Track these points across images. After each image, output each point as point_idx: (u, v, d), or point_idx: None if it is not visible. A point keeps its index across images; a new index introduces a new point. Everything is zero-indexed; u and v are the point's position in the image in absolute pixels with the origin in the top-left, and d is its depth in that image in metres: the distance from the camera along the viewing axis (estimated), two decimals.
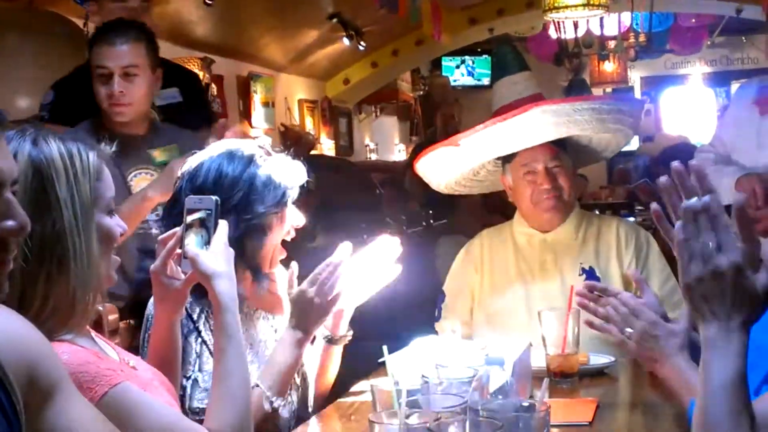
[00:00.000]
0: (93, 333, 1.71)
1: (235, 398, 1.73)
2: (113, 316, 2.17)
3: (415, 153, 7.56)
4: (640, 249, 2.79)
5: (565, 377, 2.34)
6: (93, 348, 1.63)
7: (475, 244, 2.95)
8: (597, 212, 6.34)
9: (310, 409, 2.28)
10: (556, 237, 2.83)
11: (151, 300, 2.05)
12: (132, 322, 2.58)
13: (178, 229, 1.84)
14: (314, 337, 2.25)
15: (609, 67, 10.91)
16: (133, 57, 3.01)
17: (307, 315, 2.13)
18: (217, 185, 2.08)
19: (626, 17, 8.83)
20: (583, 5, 5.71)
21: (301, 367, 2.25)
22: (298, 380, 2.24)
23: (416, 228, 5.49)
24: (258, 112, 6.91)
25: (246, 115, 6.76)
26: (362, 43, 7.29)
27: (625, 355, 2.59)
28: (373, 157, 9.47)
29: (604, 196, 9.25)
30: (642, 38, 9.87)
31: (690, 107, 11.88)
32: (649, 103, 11.90)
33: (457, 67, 11.19)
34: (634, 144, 9.61)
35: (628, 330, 2.01)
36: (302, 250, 2.90)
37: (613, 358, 2.49)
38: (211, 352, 2.02)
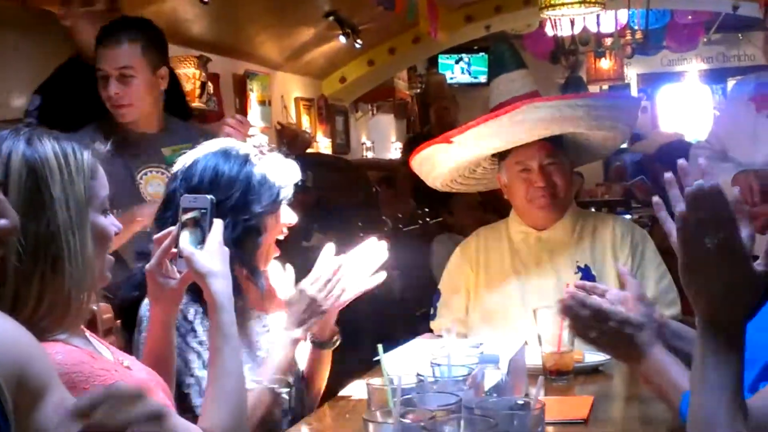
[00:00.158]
0: (87, 333, 1.70)
1: (230, 398, 1.73)
2: (107, 316, 2.17)
3: (408, 148, 7.58)
4: (636, 247, 2.79)
5: (560, 375, 2.34)
6: (87, 348, 1.63)
7: (471, 242, 2.95)
8: (593, 209, 6.37)
9: (305, 409, 2.28)
10: (551, 235, 2.83)
11: (144, 302, 2.05)
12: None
13: (173, 228, 1.84)
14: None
15: (605, 64, 10.90)
16: (128, 58, 3.01)
17: (305, 313, 2.13)
18: (214, 185, 2.07)
19: (623, 14, 8.82)
20: (580, 2, 5.71)
21: (295, 367, 2.24)
22: (291, 380, 2.23)
23: (413, 226, 5.49)
24: (254, 111, 6.90)
25: (242, 113, 6.74)
26: (359, 41, 7.29)
27: None
28: (370, 155, 9.46)
29: (600, 193, 9.25)
30: (638, 35, 9.88)
31: (686, 104, 11.88)
32: (646, 100, 11.90)
33: (457, 62, 11.19)
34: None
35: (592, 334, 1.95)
36: (298, 249, 2.90)
37: (608, 356, 2.48)
38: None
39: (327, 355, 2.33)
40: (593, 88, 11.17)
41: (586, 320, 1.89)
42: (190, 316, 2.07)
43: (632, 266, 2.72)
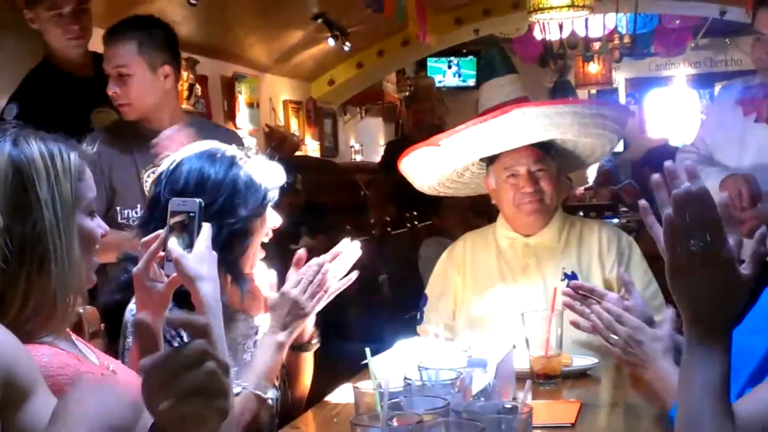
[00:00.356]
0: (73, 336, 1.69)
1: None
2: (93, 319, 2.15)
3: (387, 153, 7.54)
4: (622, 253, 2.79)
5: (548, 379, 2.34)
6: (73, 351, 1.62)
7: (458, 246, 2.95)
8: (581, 214, 6.38)
9: (291, 409, 2.27)
10: (538, 241, 2.83)
11: (129, 306, 2.04)
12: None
13: (161, 232, 1.83)
14: None
15: (594, 68, 10.94)
16: (122, 57, 3.01)
17: (289, 316, 2.12)
18: (199, 188, 2.05)
19: (611, 18, 8.86)
20: (568, 6, 5.73)
21: (282, 370, 2.24)
22: (277, 383, 2.22)
23: (401, 230, 5.49)
24: (242, 113, 6.90)
25: (230, 116, 6.74)
26: (347, 43, 7.29)
27: (608, 357, 2.60)
28: (358, 158, 9.46)
29: (588, 197, 9.26)
30: (626, 40, 9.92)
31: (674, 109, 11.93)
32: (634, 104, 11.95)
33: (449, 67, 11.20)
34: (619, 147, 9.63)
35: (613, 336, 2.00)
36: (286, 251, 2.90)
37: (596, 360, 2.49)
38: None
39: (308, 359, 2.32)
40: (581, 92, 11.21)
41: (610, 324, 1.96)
42: None
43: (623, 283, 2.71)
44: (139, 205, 3.03)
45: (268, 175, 2.15)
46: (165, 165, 2.15)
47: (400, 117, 10.22)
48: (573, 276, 2.74)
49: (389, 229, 5.20)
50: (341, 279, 2.23)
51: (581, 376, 2.45)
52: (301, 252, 2.22)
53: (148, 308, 1.87)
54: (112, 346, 2.12)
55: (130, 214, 3.07)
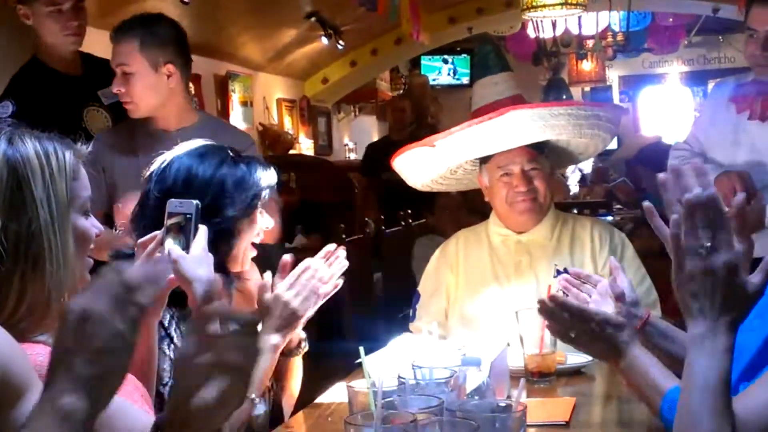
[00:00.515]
0: None
1: None
2: None
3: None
4: (615, 250, 2.79)
5: (542, 377, 2.34)
6: None
7: (451, 244, 2.95)
8: (575, 211, 6.38)
9: (284, 413, 2.26)
10: (531, 238, 2.83)
11: None
12: None
13: (158, 233, 1.82)
14: None
15: (587, 66, 10.95)
16: (124, 55, 3.02)
17: (282, 319, 2.11)
18: (187, 187, 2.04)
19: (604, 16, 8.86)
20: (561, 4, 5.72)
21: (274, 372, 2.23)
22: (268, 383, 2.22)
23: (395, 228, 5.49)
24: (236, 112, 6.89)
25: (224, 114, 6.73)
26: (341, 42, 7.28)
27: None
28: (352, 156, 9.46)
29: (582, 195, 9.27)
30: (620, 37, 9.92)
31: (668, 106, 11.95)
32: (627, 102, 11.96)
33: (446, 62, 11.20)
34: (612, 144, 9.64)
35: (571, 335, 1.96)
36: (281, 251, 2.89)
37: (590, 358, 2.48)
38: None
39: (296, 363, 2.31)
40: (575, 90, 11.22)
41: (566, 322, 1.89)
42: (166, 322, 2.05)
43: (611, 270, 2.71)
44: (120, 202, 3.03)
45: (259, 176, 2.14)
46: (157, 163, 2.14)
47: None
48: (565, 272, 2.73)
49: (383, 227, 5.20)
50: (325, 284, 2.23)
51: (576, 373, 2.45)
52: (287, 258, 2.21)
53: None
54: None
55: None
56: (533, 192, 2.75)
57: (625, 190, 7.33)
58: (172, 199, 1.85)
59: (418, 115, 8.50)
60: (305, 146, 8.16)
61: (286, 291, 2.13)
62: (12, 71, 3.44)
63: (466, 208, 4.90)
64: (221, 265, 2.10)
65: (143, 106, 3.08)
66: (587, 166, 9.57)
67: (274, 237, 2.99)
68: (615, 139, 7.25)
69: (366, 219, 5.16)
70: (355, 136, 9.85)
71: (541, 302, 1.91)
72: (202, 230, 1.80)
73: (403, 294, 4.10)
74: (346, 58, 8.24)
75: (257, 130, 7.22)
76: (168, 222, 1.79)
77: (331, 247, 2.25)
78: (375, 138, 10.46)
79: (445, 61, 11.20)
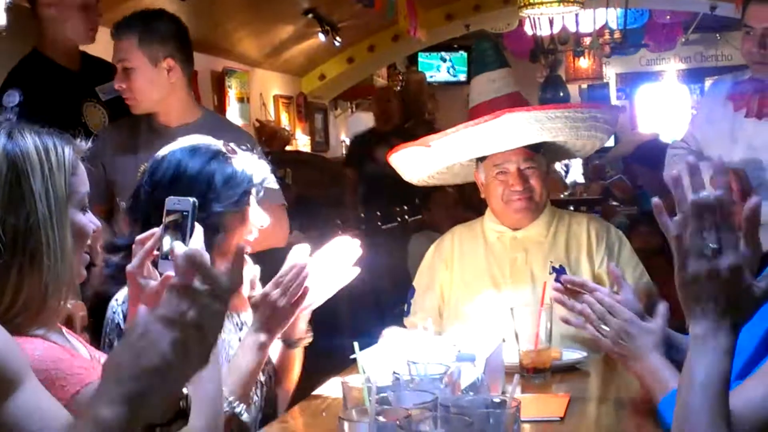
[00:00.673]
0: (64, 330, 1.69)
1: (209, 404, 1.72)
2: (82, 313, 2.15)
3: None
4: (612, 247, 2.79)
5: (537, 373, 2.34)
6: (65, 345, 1.62)
7: (446, 240, 2.94)
8: (572, 208, 6.38)
9: (277, 408, 2.26)
10: (526, 234, 2.83)
11: (111, 303, 2.03)
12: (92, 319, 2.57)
13: (156, 230, 1.82)
14: None
15: (584, 63, 10.94)
16: (124, 51, 3.03)
17: (270, 318, 2.11)
18: (175, 181, 2.05)
19: (601, 14, 8.85)
20: (558, 2, 5.73)
21: (266, 366, 2.23)
22: (263, 378, 2.22)
23: (391, 224, 5.49)
24: (233, 108, 6.88)
25: (221, 110, 6.72)
26: (338, 38, 7.28)
27: (597, 351, 2.60)
28: None
29: (579, 191, 9.27)
30: (617, 35, 9.91)
31: (665, 104, 11.95)
32: (624, 99, 11.96)
33: (443, 60, 11.19)
34: (609, 142, 9.63)
35: (604, 328, 2.00)
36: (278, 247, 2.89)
37: (585, 354, 2.49)
38: None
39: (297, 354, 2.31)
40: (572, 87, 11.21)
41: (603, 314, 1.96)
42: None
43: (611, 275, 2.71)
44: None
45: (250, 173, 2.13)
46: (154, 157, 2.15)
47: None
48: (561, 270, 2.74)
49: (379, 223, 5.20)
50: (340, 276, 2.23)
51: (571, 369, 2.45)
52: (303, 248, 2.20)
53: (140, 305, 1.87)
54: (95, 340, 2.11)
55: None
56: (529, 191, 2.75)
57: (621, 188, 7.33)
58: (171, 197, 1.85)
59: (415, 112, 8.47)
60: (302, 143, 8.15)
61: (273, 291, 2.12)
62: (7, 63, 3.43)
63: (462, 204, 4.90)
64: (210, 261, 2.09)
65: (144, 102, 3.08)
66: (576, 163, 9.58)
67: (280, 240, 2.99)
68: (612, 137, 7.23)
69: (362, 215, 5.15)
70: (351, 133, 9.84)
71: (555, 294, 1.99)
72: (199, 228, 1.80)
73: (398, 290, 4.10)
74: (343, 54, 8.23)
75: (254, 126, 7.21)
76: (166, 219, 1.79)
77: (342, 240, 2.25)
78: None
79: (443, 59, 11.20)
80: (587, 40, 10.46)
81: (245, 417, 2.06)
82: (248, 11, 6.36)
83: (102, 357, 1.73)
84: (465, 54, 10.98)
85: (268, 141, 7.28)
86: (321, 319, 2.36)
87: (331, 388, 2.27)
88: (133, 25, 3.03)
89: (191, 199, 1.79)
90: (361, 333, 2.41)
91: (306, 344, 2.31)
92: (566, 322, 2.15)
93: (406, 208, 5.81)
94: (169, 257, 1.74)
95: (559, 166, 9.07)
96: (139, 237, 1.84)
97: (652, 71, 12.14)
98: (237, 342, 2.19)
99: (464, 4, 8.04)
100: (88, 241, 1.65)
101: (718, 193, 1.33)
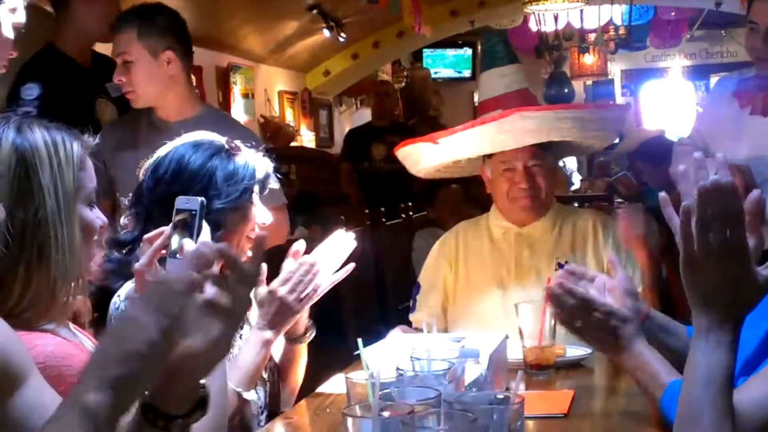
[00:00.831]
0: (72, 326, 1.69)
1: (215, 400, 1.73)
2: (87, 308, 2.15)
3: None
4: (619, 243, 2.78)
5: (541, 369, 2.34)
6: (74, 340, 1.62)
7: (451, 237, 2.94)
8: (576, 205, 6.37)
9: (281, 404, 2.26)
10: (532, 231, 2.83)
11: (114, 299, 2.03)
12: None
13: (164, 229, 1.82)
14: None
15: (589, 59, 10.93)
16: (124, 44, 3.04)
17: (276, 315, 2.11)
18: (176, 176, 2.05)
19: (606, 10, 8.84)
20: None
21: (269, 363, 2.23)
22: (265, 375, 2.22)
23: (395, 220, 5.48)
24: (237, 104, 6.88)
25: (225, 106, 6.72)
26: (343, 34, 7.27)
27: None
28: None
29: (583, 188, 9.26)
30: (622, 31, 9.90)
31: (669, 100, 11.92)
32: (629, 96, 11.93)
33: (447, 56, 11.16)
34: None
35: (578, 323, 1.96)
36: (282, 242, 2.89)
37: (589, 350, 2.49)
38: None
39: (302, 350, 2.31)
40: (577, 84, 11.20)
41: (572, 309, 1.89)
42: None
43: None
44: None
45: (253, 170, 2.13)
46: (157, 152, 2.15)
47: (396, 108, 10.21)
48: (566, 265, 2.73)
49: (384, 219, 5.19)
50: (336, 271, 2.22)
51: (575, 366, 2.45)
52: (299, 244, 2.20)
53: None
54: (98, 335, 2.11)
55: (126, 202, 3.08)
56: (535, 189, 2.75)
57: (626, 184, 7.31)
58: (180, 197, 1.86)
59: (419, 108, 8.47)
60: (306, 138, 8.15)
61: (281, 286, 2.12)
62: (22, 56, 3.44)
63: (467, 200, 4.90)
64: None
65: (144, 95, 3.08)
66: (571, 161, 9.56)
67: (280, 237, 2.99)
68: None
69: (366, 210, 5.14)
70: (348, 128, 9.83)
71: (548, 289, 1.90)
72: (206, 227, 1.81)
73: (402, 286, 4.10)
74: (348, 50, 8.22)
75: (258, 122, 7.21)
76: (175, 218, 1.80)
77: (341, 235, 2.24)
78: None
79: (447, 55, 11.18)
80: (592, 37, 10.44)
81: (253, 405, 2.07)
82: (253, 7, 6.36)
83: None
84: (470, 50, 10.97)
85: (273, 137, 7.28)
86: (326, 315, 2.36)
87: (335, 385, 2.27)
88: (133, 19, 3.04)
89: (200, 199, 1.79)
90: (366, 329, 2.42)
91: (309, 340, 2.31)
92: (556, 317, 2.12)
93: (410, 204, 5.80)
94: (177, 255, 1.74)
95: (561, 162, 9.06)
96: (147, 236, 1.84)
97: (656, 68, 12.11)
98: (238, 339, 2.19)
99: (469, 1, 8.03)
100: (95, 237, 1.65)
101: (728, 179, 1.32)
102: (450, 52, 11.13)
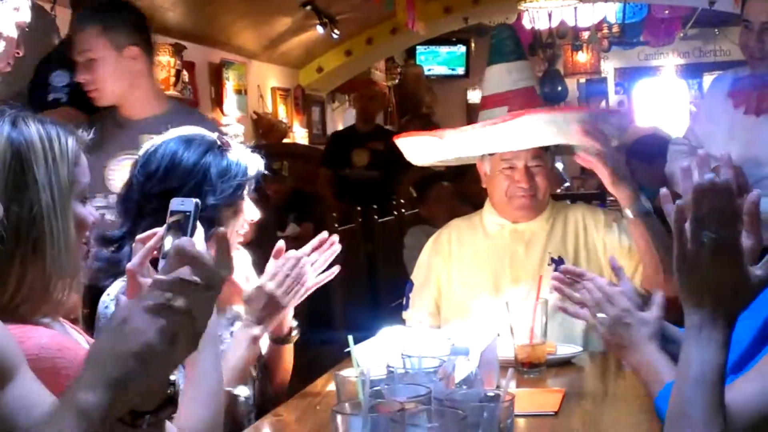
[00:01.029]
0: (66, 322, 1.69)
1: (210, 400, 1.73)
2: (77, 305, 2.14)
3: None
4: (609, 230, 2.77)
5: (532, 367, 2.33)
6: (67, 335, 1.61)
7: (443, 233, 2.93)
8: (569, 203, 6.37)
9: (273, 401, 2.26)
10: (526, 227, 2.82)
11: (102, 298, 2.02)
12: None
13: (158, 230, 1.82)
14: None
15: (582, 57, 10.94)
16: (86, 42, 3.00)
17: (264, 310, 2.10)
18: (170, 172, 2.04)
19: (600, 8, 8.85)
20: None
21: (260, 360, 2.22)
22: (254, 373, 2.21)
23: (387, 218, 5.48)
24: (230, 100, 6.87)
25: (218, 102, 6.72)
26: (336, 31, 7.26)
27: (592, 345, 2.60)
28: None
29: (576, 186, 9.27)
30: (615, 29, 9.91)
31: (663, 99, 11.93)
32: (622, 94, 11.94)
33: (441, 53, 11.15)
34: None
35: (601, 315, 1.99)
36: (273, 239, 2.88)
37: (580, 349, 2.49)
38: None
39: (287, 350, 2.30)
40: (570, 82, 11.20)
41: (600, 302, 1.95)
42: None
43: (609, 253, 2.69)
44: (100, 195, 2.98)
45: (245, 166, 2.12)
46: (145, 147, 2.14)
47: (389, 105, 10.21)
48: (560, 261, 2.73)
49: (376, 217, 5.19)
50: (321, 273, 2.22)
51: (566, 364, 2.45)
52: (281, 244, 2.20)
53: None
54: (88, 333, 2.10)
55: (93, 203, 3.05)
56: (534, 189, 2.74)
57: None
58: (175, 198, 1.85)
59: (412, 106, 8.45)
60: (299, 135, 8.15)
61: (269, 282, 2.12)
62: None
63: (458, 197, 4.89)
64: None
65: (108, 93, 3.03)
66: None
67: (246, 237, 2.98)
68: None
69: (358, 208, 5.14)
70: (331, 131, 9.83)
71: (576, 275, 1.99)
72: (200, 229, 1.80)
73: (394, 284, 4.10)
74: (341, 47, 8.22)
75: (251, 118, 7.21)
76: (170, 220, 1.79)
77: (325, 235, 2.24)
78: None
79: (441, 52, 11.18)
80: (586, 35, 10.46)
81: (242, 391, 2.06)
82: (246, 3, 6.35)
83: None
84: (464, 47, 10.97)
85: (265, 133, 7.28)
86: (317, 313, 2.36)
87: (326, 382, 2.27)
88: (96, 16, 3.01)
89: (195, 201, 1.79)
90: (357, 327, 2.41)
91: (294, 341, 2.30)
92: (564, 310, 2.14)
93: (402, 201, 5.80)
94: (164, 257, 1.74)
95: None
96: (139, 236, 1.83)
97: (650, 66, 12.13)
98: (229, 336, 2.18)
99: None
100: (87, 233, 1.65)
101: (721, 179, 1.32)
102: (443, 50, 11.12)
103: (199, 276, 1.21)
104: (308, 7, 6.81)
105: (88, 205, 1.65)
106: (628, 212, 2.57)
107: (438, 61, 11.17)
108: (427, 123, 7.50)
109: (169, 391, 1.27)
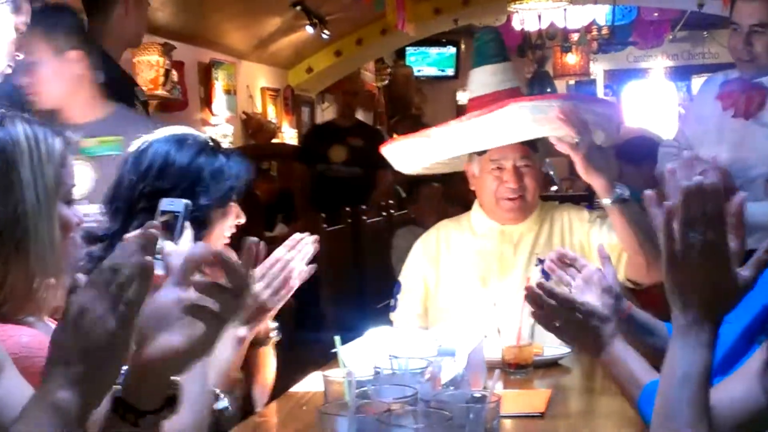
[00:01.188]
0: (52, 322, 1.68)
1: (196, 403, 1.72)
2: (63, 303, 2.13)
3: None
4: (593, 226, 2.78)
5: (519, 368, 2.34)
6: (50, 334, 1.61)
7: (432, 235, 2.93)
8: (558, 203, 6.38)
9: (257, 404, 2.25)
10: (514, 229, 2.82)
11: None
12: None
13: (151, 225, 1.81)
14: None
15: (572, 59, 10.97)
16: (28, 45, 2.97)
17: (249, 312, 2.10)
18: (163, 172, 2.04)
19: (589, 10, 8.87)
20: None
21: (241, 363, 2.21)
22: (240, 375, 2.20)
23: (376, 219, 5.48)
24: (219, 100, 6.86)
25: (207, 102, 6.70)
26: (326, 31, 7.26)
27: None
28: None
29: (565, 187, 9.28)
30: (605, 31, 9.94)
31: (652, 101, 11.97)
32: (612, 96, 11.98)
33: (431, 54, 11.15)
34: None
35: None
36: (261, 239, 2.87)
37: (567, 350, 2.49)
38: None
39: (268, 352, 2.30)
40: (559, 83, 11.23)
41: (552, 310, 1.88)
42: None
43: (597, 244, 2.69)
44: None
45: (235, 168, 2.12)
46: (134, 146, 2.13)
47: (379, 106, 10.21)
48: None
49: (364, 217, 5.19)
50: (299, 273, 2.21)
51: (553, 365, 2.46)
52: (261, 247, 2.18)
53: None
54: None
55: None
56: (522, 190, 2.74)
57: None
58: (165, 198, 1.85)
59: (402, 106, 8.44)
60: (288, 135, 8.13)
61: (256, 283, 2.11)
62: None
63: (447, 198, 4.90)
64: None
65: (47, 96, 2.99)
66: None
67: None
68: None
69: (347, 208, 5.13)
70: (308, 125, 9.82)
71: (528, 288, 1.90)
72: (189, 229, 1.80)
73: (382, 285, 4.09)
74: (331, 47, 8.22)
75: (240, 118, 7.20)
76: (159, 220, 1.79)
77: (298, 236, 2.23)
78: None
79: (431, 53, 11.18)
80: (575, 36, 10.48)
81: (229, 411, 2.05)
82: (236, 3, 6.34)
83: None
84: (454, 48, 10.97)
85: (255, 133, 7.27)
86: (305, 313, 2.35)
87: (312, 382, 2.26)
88: (37, 19, 2.99)
89: (185, 201, 1.79)
90: (345, 327, 2.41)
91: (274, 343, 2.29)
92: (535, 317, 2.11)
93: (391, 202, 5.79)
94: (158, 257, 1.73)
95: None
96: (128, 235, 1.82)
97: (639, 68, 12.17)
98: None
99: None
100: (71, 234, 1.64)
101: (709, 181, 1.32)
102: (433, 51, 11.12)
103: (231, 282, 1.23)
104: (298, 8, 6.81)
105: (74, 206, 1.64)
106: (605, 201, 2.56)
107: (428, 62, 11.18)
108: (416, 124, 7.48)
109: (170, 392, 1.27)
